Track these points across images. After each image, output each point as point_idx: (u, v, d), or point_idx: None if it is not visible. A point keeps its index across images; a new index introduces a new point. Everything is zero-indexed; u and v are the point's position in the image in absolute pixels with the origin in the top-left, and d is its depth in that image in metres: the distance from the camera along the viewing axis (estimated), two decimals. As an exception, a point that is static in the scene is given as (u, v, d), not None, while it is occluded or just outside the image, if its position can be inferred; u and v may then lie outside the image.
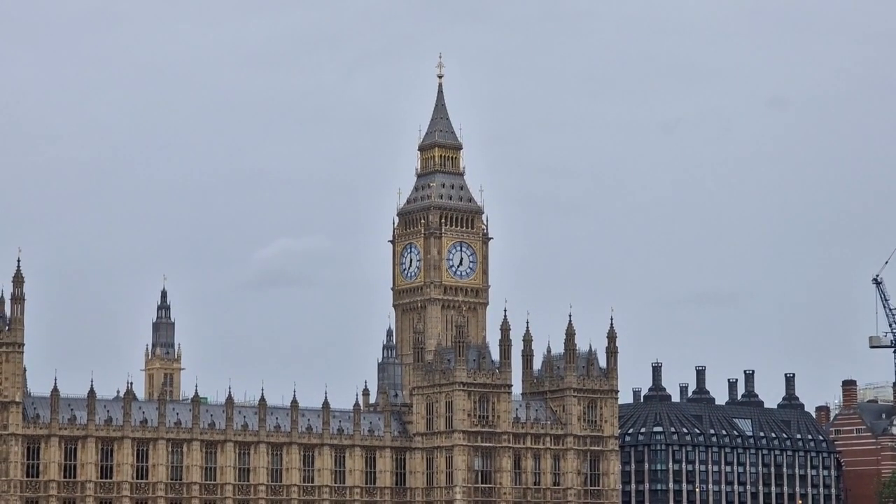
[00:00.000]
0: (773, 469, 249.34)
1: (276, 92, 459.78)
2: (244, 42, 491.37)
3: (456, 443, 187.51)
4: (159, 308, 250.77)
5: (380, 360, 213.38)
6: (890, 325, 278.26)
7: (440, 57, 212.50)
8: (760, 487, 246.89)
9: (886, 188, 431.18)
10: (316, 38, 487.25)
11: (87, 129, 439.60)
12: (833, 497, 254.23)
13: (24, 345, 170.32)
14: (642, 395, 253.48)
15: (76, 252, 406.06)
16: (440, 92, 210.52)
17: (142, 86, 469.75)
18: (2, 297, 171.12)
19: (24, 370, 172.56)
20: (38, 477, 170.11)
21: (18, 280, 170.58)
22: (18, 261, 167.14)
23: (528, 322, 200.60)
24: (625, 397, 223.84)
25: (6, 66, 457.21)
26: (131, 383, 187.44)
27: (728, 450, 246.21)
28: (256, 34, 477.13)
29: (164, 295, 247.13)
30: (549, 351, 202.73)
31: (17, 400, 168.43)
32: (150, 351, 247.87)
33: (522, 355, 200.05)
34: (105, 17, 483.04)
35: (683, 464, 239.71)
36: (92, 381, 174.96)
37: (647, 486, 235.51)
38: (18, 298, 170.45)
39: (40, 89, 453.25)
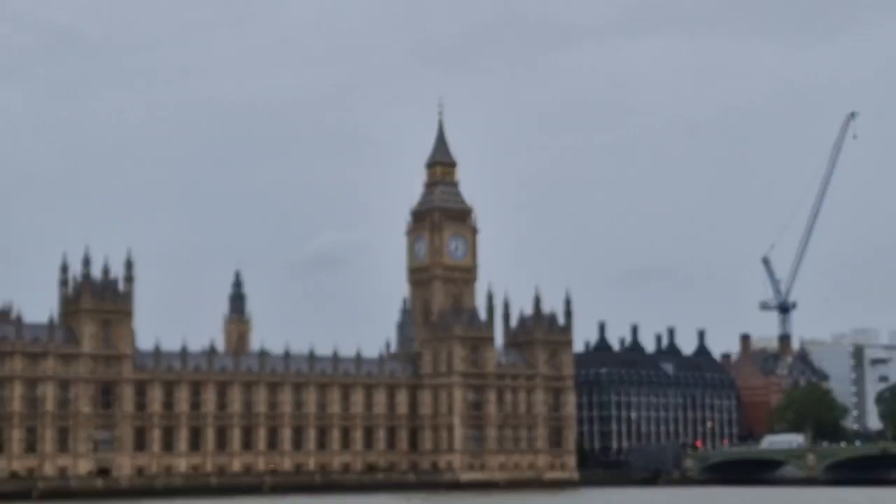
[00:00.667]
0: (688, 401, 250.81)
1: (326, 127, 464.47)
2: (303, 89, 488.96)
3: (454, 382, 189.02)
4: (233, 284, 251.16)
5: (398, 321, 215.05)
6: (775, 294, 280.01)
7: (440, 100, 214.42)
8: (680, 414, 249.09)
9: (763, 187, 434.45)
10: (349, 86, 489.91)
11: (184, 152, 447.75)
12: (734, 422, 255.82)
13: (132, 313, 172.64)
14: (591, 345, 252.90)
15: (175, 239, 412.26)
16: (440, 125, 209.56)
17: (229, 126, 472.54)
18: (117, 278, 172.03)
19: (133, 332, 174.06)
20: (144, 410, 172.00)
21: (129, 265, 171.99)
22: (129, 251, 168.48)
23: (506, 292, 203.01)
24: (578, 347, 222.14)
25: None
26: (214, 340, 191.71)
27: (655, 386, 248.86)
28: (305, 83, 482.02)
29: (237, 274, 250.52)
30: (522, 313, 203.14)
31: (128, 353, 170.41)
32: (228, 315, 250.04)
33: (503, 317, 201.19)
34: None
35: (622, 396, 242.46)
36: (184, 338, 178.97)
37: (595, 413, 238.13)
38: (129, 278, 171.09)
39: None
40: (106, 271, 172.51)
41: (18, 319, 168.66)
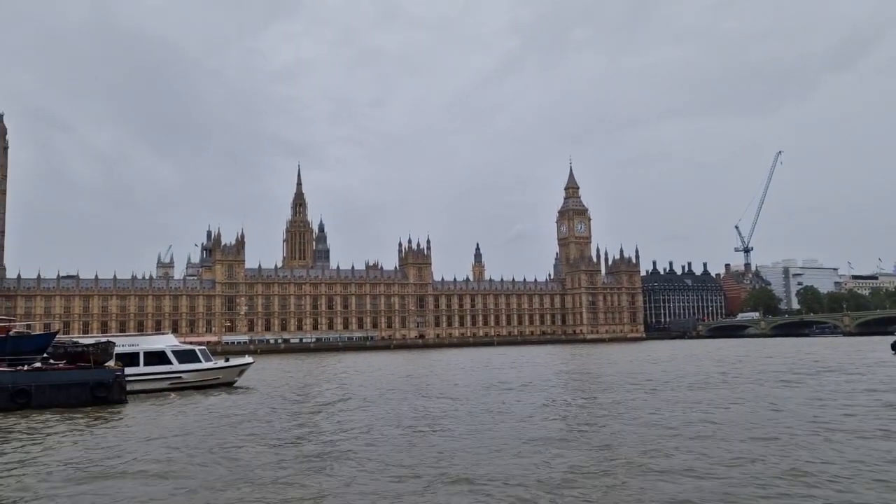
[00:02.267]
0: (699, 298, 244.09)
1: (520, 174, 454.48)
2: (507, 155, 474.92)
3: (581, 292, 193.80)
4: (475, 248, 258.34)
5: (553, 263, 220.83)
6: (742, 243, 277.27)
7: (570, 157, 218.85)
8: (695, 304, 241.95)
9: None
10: (528, 153, 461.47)
11: (450, 200, 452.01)
12: (722, 308, 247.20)
13: (431, 264, 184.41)
14: (649, 272, 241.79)
15: (446, 227, 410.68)
16: (570, 169, 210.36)
17: (478, 178, 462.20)
18: (423, 247, 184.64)
19: (432, 272, 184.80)
20: (438, 307, 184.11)
21: (428, 242, 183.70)
22: (428, 235, 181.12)
23: (606, 248, 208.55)
24: (643, 272, 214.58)
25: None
26: (468, 275, 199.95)
27: (682, 291, 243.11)
28: (509, 153, 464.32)
29: (477, 244, 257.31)
30: (613, 257, 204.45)
31: (429, 282, 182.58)
32: (473, 262, 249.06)
33: (604, 259, 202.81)
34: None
35: (665, 296, 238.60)
36: (455, 274, 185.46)
37: (652, 305, 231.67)
38: (428, 248, 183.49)
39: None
40: (418, 244, 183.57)
41: (381, 268, 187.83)
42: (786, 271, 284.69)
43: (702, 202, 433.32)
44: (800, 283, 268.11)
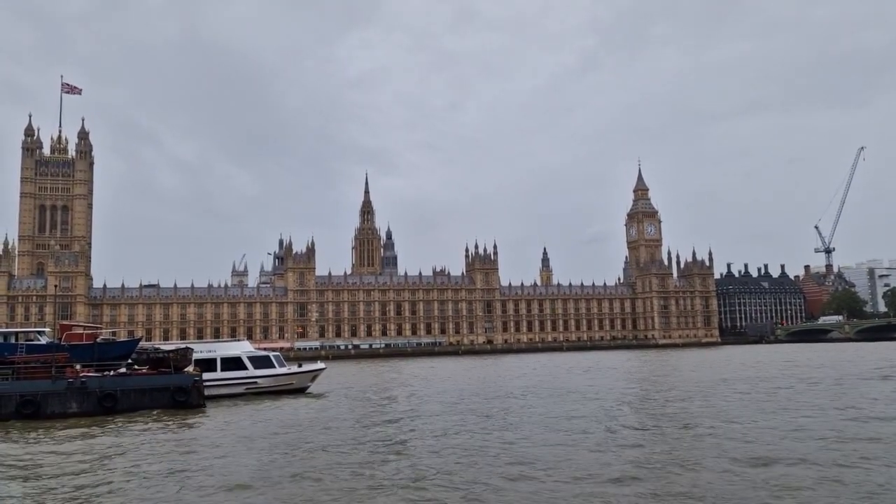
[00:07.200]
0: (776, 300, 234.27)
1: (595, 172, 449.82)
2: (582, 155, 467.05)
3: (653, 296, 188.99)
4: (543, 252, 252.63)
5: (623, 266, 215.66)
6: (822, 243, 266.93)
7: (639, 158, 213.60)
8: (772, 308, 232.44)
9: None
10: (597, 152, 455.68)
11: (535, 203, 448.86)
12: (802, 311, 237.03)
13: (498, 269, 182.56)
14: (724, 274, 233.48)
15: (514, 232, 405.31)
16: (639, 170, 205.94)
17: (547, 181, 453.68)
18: (490, 252, 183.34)
19: (499, 278, 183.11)
20: (506, 312, 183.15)
21: (494, 246, 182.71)
22: (494, 240, 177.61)
23: (677, 251, 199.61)
24: (717, 275, 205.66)
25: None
26: (535, 279, 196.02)
27: (758, 294, 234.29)
28: (583, 152, 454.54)
29: (545, 249, 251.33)
30: (686, 260, 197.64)
31: (496, 287, 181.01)
32: (541, 267, 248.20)
33: (676, 262, 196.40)
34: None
35: (740, 300, 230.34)
36: (522, 280, 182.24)
37: (727, 308, 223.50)
38: (495, 252, 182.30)
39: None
40: (485, 250, 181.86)
41: (448, 274, 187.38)
42: (871, 272, 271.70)
43: (780, 201, 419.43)
44: (886, 285, 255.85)
